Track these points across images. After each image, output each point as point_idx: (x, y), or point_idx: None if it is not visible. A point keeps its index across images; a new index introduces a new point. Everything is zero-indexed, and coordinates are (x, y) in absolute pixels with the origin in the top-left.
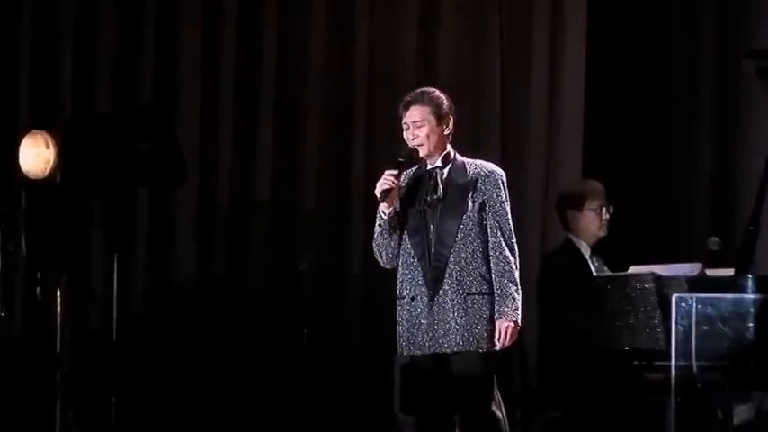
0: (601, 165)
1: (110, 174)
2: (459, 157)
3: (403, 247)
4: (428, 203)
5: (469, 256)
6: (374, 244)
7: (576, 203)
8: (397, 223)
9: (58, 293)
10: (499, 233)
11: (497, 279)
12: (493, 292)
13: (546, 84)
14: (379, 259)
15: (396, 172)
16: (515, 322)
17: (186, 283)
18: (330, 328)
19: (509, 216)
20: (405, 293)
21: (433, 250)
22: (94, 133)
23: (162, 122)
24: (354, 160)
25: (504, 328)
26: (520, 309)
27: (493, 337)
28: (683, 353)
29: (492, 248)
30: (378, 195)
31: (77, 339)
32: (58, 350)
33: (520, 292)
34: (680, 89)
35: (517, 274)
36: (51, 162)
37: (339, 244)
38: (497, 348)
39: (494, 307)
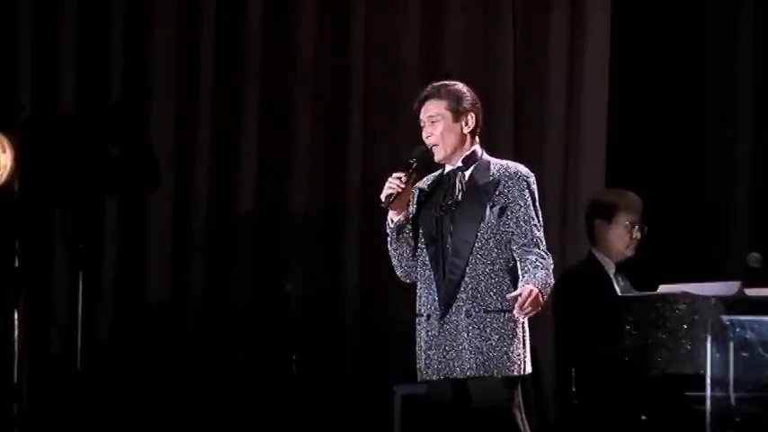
0: (626, 171)
1: (74, 181)
2: (486, 157)
3: (421, 258)
4: (444, 209)
5: (488, 268)
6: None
7: (606, 214)
8: (409, 232)
9: (16, 316)
10: (523, 240)
11: (527, 262)
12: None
13: (564, 83)
14: (396, 272)
15: (402, 175)
16: (541, 292)
17: (160, 305)
18: (323, 355)
19: (535, 222)
20: (422, 310)
21: (448, 261)
22: (57, 135)
23: (132, 123)
24: (350, 164)
25: (528, 292)
26: (549, 289)
27: (515, 361)
28: (720, 382)
29: (517, 256)
30: (382, 200)
31: (38, 367)
32: (15, 380)
33: (552, 281)
34: (715, 90)
35: (552, 268)
36: (8, 168)
37: (333, 259)
38: (515, 313)
39: (517, 328)
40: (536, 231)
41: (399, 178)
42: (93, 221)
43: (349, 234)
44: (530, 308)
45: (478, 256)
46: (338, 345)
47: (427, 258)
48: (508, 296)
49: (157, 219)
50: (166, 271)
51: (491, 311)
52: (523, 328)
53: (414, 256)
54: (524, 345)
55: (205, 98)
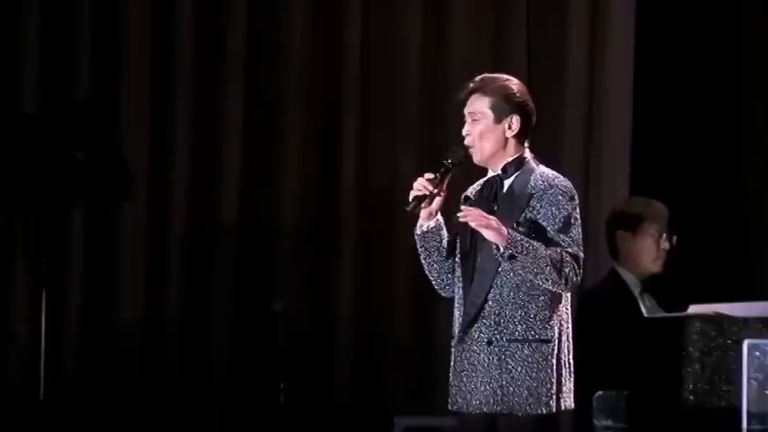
0: (653, 180)
1: (36, 188)
2: (531, 165)
3: (457, 274)
4: None
5: (512, 293)
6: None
7: (630, 224)
8: (439, 241)
9: None
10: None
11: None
12: (546, 341)
13: (584, 82)
14: (432, 284)
15: (432, 176)
16: (502, 235)
17: (132, 327)
18: (314, 383)
19: (562, 240)
20: (454, 333)
21: (474, 281)
22: (16, 138)
23: (102, 125)
24: (344, 172)
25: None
26: (524, 251)
27: (542, 398)
28: (759, 415)
29: None
30: (409, 202)
31: None
32: None
33: (555, 272)
34: (751, 87)
35: (570, 275)
36: None
37: (325, 276)
38: (458, 216)
39: (545, 360)
40: (562, 242)
41: (429, 180)
42: (57, 234)
43: (343, 248)
44: (472, 216)
45: (504, 278)
46: (331, 372)
47: (460, 274)
48: (453, 217)
49: (129, 232)
50: (139, 290)
51: (514, 341)
52: (559, 359)
53: (446, 266)
54: (560, 379)
55: (182, 98)
